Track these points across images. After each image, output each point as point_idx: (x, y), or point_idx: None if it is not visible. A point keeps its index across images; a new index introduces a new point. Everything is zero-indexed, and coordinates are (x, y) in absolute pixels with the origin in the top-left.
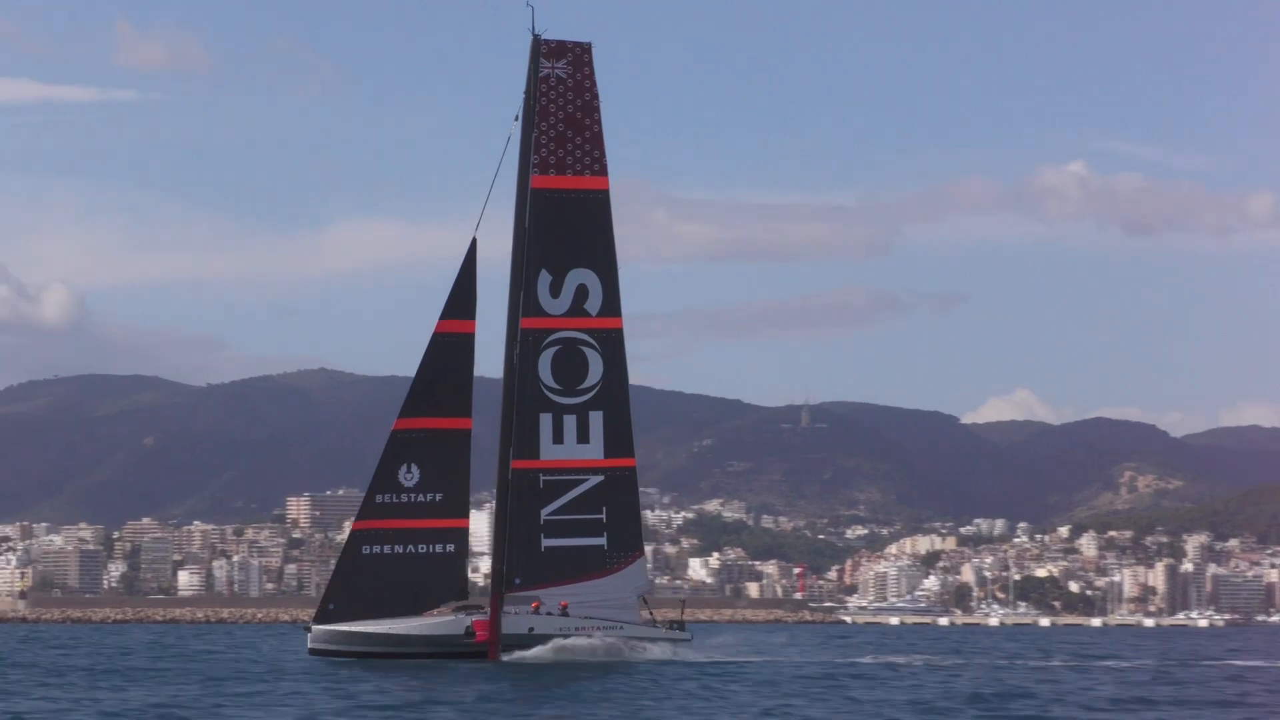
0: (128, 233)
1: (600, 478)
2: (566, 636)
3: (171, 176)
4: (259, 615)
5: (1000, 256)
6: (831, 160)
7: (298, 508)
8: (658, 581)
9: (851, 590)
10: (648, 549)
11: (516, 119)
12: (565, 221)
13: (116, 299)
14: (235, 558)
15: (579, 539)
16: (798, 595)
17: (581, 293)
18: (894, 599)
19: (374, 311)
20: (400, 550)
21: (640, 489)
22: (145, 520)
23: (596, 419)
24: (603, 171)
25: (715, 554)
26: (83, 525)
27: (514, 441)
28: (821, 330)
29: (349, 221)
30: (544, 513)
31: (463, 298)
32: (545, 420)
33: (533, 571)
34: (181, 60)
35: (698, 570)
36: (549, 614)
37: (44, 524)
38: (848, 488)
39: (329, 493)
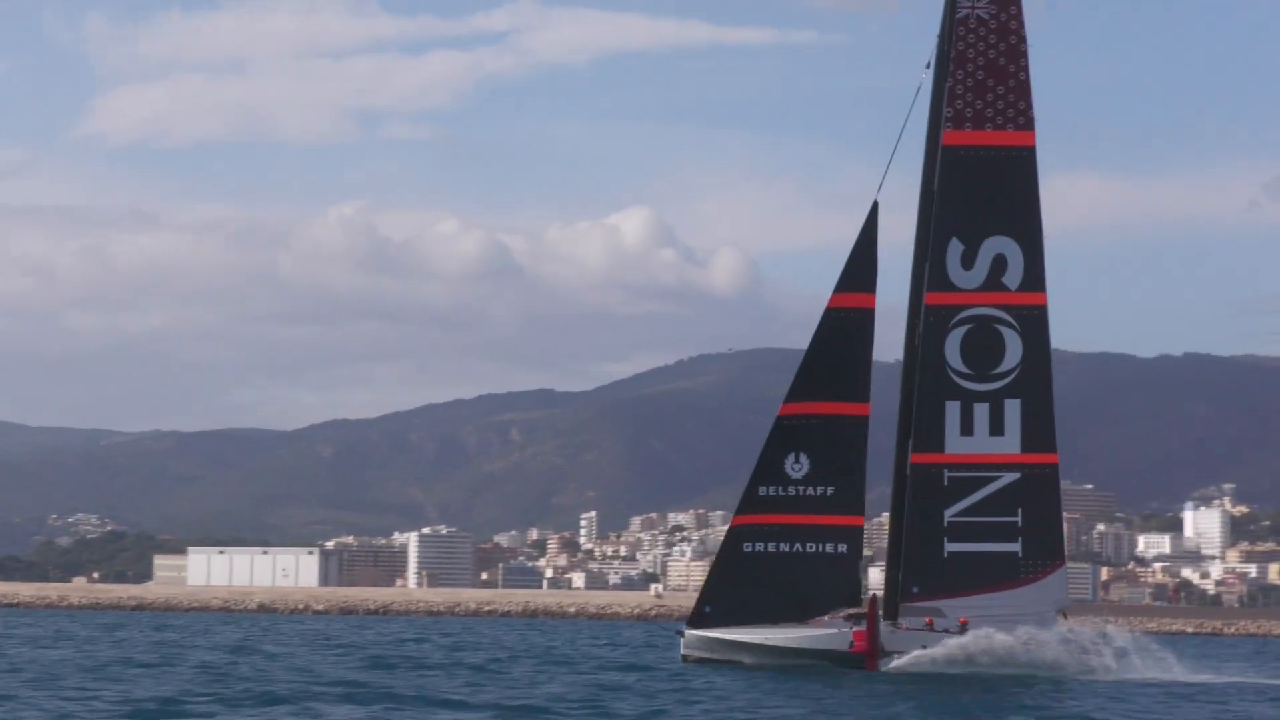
0: (805, 192)
1: (1016, 475)
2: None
3: (852, 128)
4: None
5: None
6: None
7: None
8: None
9: None
10: None
11: (928, 66)
12: (982, 183)
13: (792, 264)
14: None
15: (989, 544)
16: None
17: (999, 264)
18: None
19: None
20: (786, 549)
21: None
22: None
23: (1013, 408)
24: (1028, 125)
25: None
26: None
27: (915, 432)
28: None
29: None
30: (948, 514)
31: (861, 268)
32: (952, 409)
33: (934, 580)
34: None
35: None
36: (946, 631)
37: (719, 512)
38: None
39: None
